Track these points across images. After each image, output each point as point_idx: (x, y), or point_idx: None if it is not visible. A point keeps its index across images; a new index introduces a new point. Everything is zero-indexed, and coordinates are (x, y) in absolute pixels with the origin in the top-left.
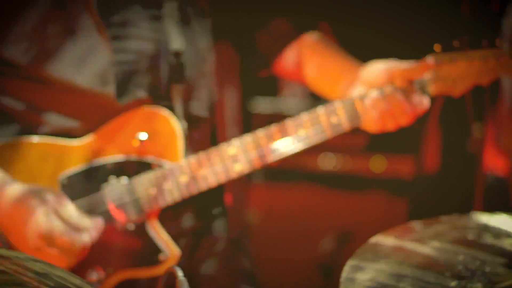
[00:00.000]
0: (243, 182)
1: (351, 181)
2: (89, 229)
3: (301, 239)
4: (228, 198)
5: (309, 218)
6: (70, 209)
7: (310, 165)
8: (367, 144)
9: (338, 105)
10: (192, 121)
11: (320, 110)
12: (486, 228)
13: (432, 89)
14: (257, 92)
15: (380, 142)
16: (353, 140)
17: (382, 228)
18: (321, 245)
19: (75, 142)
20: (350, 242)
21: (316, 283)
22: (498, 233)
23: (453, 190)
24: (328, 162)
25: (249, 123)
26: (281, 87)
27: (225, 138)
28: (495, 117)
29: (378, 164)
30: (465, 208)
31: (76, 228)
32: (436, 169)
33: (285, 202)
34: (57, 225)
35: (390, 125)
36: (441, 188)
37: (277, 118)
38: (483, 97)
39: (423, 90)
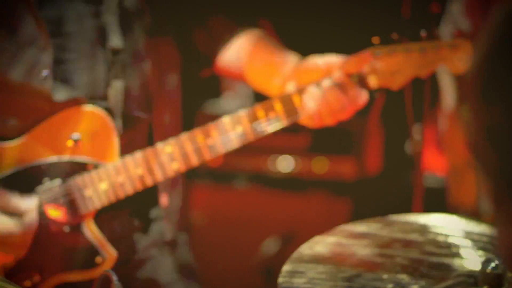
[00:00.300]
0: (182, 183)
1: (293, 182)
2: (32, 208)
3: (244, 241)
4: (164, 200)
5: (251, 220)
6: (12, 199)
7: (253, 167)
8: (310, 145)
9: (275, 101)
10: (129, 121)
11: (258, 106)
12: (423, 229)
13: (371, 82)
14: (199, 93)
15: (322, 144)
16: (296, 142)
17: (325, 229)
18: (264, 247)
19: (7, 144)
20: (293, 244)
21: (259, 286)
22: (436, 234)
23: (395, 191)
24: (271, 164)
25: (191, 124)
26: (223, 87)
27: (164, 139)
28: (436, 118)
29: (320, 165)
30: (406, 208)
31: (24, 214)
32: (378, 170)
33: (228, 204)
34: (9, 222)
35: (329, 120)
36: (383, 189)
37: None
38: (422, 99)
39: (361, 83)
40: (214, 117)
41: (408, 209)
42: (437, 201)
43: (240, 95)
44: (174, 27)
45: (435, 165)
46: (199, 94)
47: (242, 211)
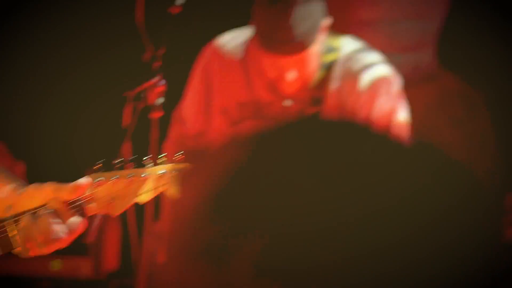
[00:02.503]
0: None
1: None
2: None
3: None
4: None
5: None
6: None
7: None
8: None
9: None
10: None
11: None
12: None
13: (89, 209)
14: None
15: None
16: None
17: None
18: None
19: None
20: None
21: None
22: None
23: None
24: None
25: None
26: None
27: None
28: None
29: (56, 267)
30: None
31: None
32: (115, 269)
33: None
34: None
35: (45, 249)
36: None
37: None
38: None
39: (79, 210)
40: None
41: None
42: None
43: None
44: None
45: None
46: None
47: None
